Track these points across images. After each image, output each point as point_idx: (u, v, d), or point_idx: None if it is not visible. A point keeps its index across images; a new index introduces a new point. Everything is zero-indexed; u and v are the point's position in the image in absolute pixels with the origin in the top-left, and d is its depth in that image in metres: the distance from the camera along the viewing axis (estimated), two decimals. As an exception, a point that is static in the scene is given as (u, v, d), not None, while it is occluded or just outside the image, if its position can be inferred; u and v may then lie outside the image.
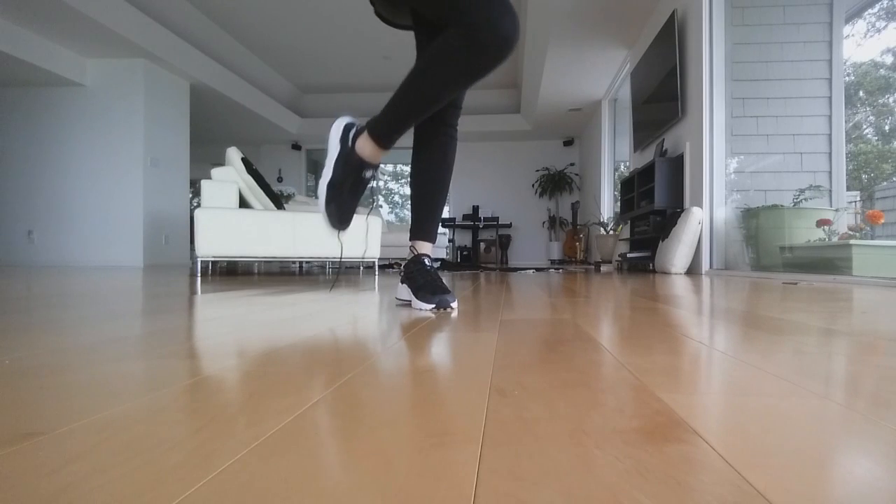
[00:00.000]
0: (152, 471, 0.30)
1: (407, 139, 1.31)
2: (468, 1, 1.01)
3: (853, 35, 4.06)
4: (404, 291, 1.36)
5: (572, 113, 8.30)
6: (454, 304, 1.25)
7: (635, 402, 0.45)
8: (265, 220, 3.66)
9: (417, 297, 1.25)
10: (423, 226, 1.39)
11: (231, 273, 3.99)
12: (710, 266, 3.88)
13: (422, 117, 1.19)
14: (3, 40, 5.11)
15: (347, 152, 1.23)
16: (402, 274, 1.38)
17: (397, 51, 7.67)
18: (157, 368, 0.58)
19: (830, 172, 3.76)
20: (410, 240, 1.40)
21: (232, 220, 3.57)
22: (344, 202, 1.26)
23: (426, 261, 1.33)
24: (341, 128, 1.26)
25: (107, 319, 1.03)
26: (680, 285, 2.39)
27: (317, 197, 1.33)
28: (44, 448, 0.34)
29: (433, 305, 1.22)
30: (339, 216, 1.27)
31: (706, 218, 3.84)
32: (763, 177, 3.95)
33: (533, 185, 10.20)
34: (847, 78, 3.93)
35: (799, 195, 3.64)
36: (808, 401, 0.45)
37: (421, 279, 1.28)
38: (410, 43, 6.26)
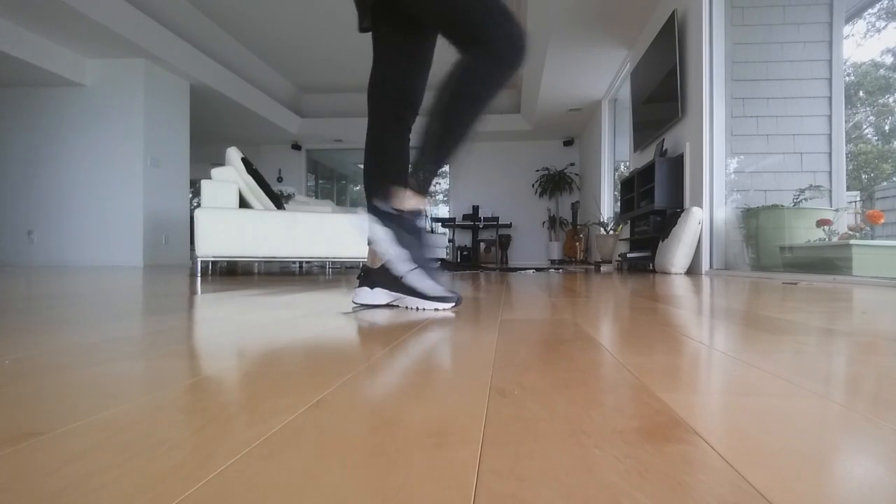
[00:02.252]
0: (152, 471, 0.30)
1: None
2: (492, 24, 1.08)
3: (853, 35, 4.07)
4: (382, 294, 1.26)
5: (572, 113, 8.30)
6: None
7: (635, 401, 0.45)
8: (265, 220, 3.66)
9: (429, 300, 1.24)
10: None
11: (231, 273, 3.99)
12: (710, 266, 3.88)
13: (462, 148, 1.16)
14: (3, 40, 5.11)
15: (399, 222, 1.16)
16: (362, 274, 1.29)
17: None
18: (157, 368, 0.58)
19: (830, 172, 3.76)
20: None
21: (232, 220, 3.57)
22: (431, 263, 1.18)
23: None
24: (366, 217, 1.19)
25: (107, 319, 1.03)
26: (680, 285, 2.39)
27: (420, 294, 1.16)
28: (44, 448, 0.34)
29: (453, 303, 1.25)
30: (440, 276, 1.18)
31: (706, 218, 3.84)
32: (763, 177, 3.95)
33: (533, 185, 10.19)
34: (847, 78, 3.93)
35: (799, 195, 3.63)
36: (808, 401, 0.45)
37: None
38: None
